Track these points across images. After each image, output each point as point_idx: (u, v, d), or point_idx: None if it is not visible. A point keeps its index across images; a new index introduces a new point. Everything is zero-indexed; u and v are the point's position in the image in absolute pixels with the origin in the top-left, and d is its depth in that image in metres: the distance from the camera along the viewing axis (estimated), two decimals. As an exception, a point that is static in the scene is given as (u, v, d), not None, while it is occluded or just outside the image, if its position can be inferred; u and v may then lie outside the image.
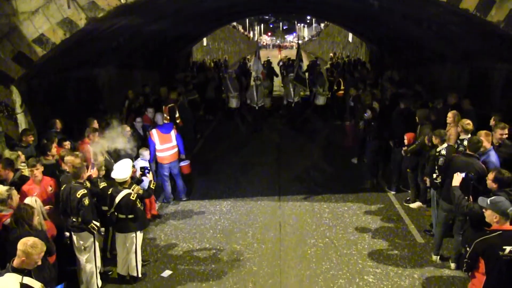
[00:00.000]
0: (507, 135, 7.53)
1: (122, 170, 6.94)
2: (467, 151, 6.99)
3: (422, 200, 9.81)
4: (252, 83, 17.34)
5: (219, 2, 13.00)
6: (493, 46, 9.63)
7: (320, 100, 17.97)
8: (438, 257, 7.63)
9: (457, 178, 6.26)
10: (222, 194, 10.75)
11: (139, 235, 7.09)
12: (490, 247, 4.80)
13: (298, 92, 17.00)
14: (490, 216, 4.94)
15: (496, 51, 9.85)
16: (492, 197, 5.00)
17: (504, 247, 4.74)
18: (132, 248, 6.98)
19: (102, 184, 7.20)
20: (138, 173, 7.55)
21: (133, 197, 6.82)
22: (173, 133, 10.06)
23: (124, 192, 6.85)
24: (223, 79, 19.68)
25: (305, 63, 29.32)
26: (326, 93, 18.21)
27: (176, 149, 10.14)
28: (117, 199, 6.84)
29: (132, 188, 6.99)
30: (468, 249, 4.99)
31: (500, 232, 4.82)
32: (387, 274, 7.28)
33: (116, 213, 6.92)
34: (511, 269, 4.77)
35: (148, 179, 7.54)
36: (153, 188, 7.70)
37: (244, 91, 18.97)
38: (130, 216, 6.87)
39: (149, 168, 7.75)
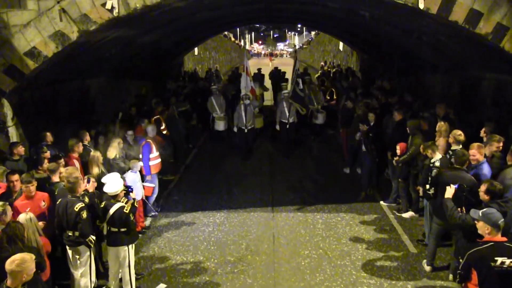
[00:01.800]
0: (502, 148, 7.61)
1: (113, 184, 6.91)
2: (455, 165, 7.07)
3: (414, 209, 9.85)
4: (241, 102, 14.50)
5: (211, 13, 13.04)
6: (482, 57, 9.76)
7: (319, 119, 15.97)
8: (431, 267, 7.63)
9: (450, 190, 6.31)
10: (215, 205, 10.72)
11: (131, 248, 7.05)
12: (482, 258, 4.84)
13: (294, 112, 14.69)
14: (482, 227, 4.99)
15: (485, 62, 9.98)
16: (484, 209, 5.05)
17: (496, 258, 4.78)
18: (125, 262, 6.93)
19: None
20: (122, 192, 7.48)
21: (126, 210, 6.79)
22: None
23: (118, 205, 6.82)
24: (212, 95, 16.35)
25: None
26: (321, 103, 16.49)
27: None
28: (111, 212, 6.80)
29: (123, 201, 6.98)
30: (461, 260, 5.03)
31: (492, 243, 4.87)
32: (381, 285, 7.30)
33: (108, 227, 6.88)
34: (503, 280, 4.81)
35: (131, 197, 7.49)
36: (137, 206, 7.65)
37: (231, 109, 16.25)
38: (122, 229, 6.82)
39: (132, 187, 7.71)
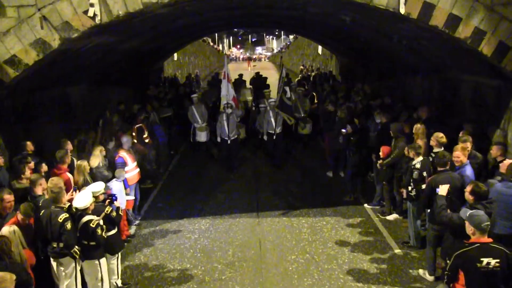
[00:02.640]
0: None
1: (82, 199, 6.70)
2: (439, 168, 7.17)
3: (398, 212, 9.96)
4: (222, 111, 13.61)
5: (192, 19, 13.00)
6: (462, 60, 9.94)
7: (307, 128, 15.27)
8: (433, 277, 7.47)
9: (444, 188, 6.40)
10: (200, 212, 10.67)
11: (103, 262, 6.90)
12: (469, 260, 4.95)
13: (281, 122, 13.90)
14: (467, 228, 5.10)
15: (464, 64, 10.16)
16: (472, 210, 5.14)
17: (481, 259, 4.89)
18: (98, 276, 6.80)
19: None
20: (107, 200, 7.40)
21: (93, 224, 6.57)
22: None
23: (86, 218, 6.62)
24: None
25: (274, 76, 29.15)
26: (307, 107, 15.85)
27: None
28: (79, 225, 6.62)
29: (107, 210, 6.94)
30: (448, 261, 5.11)
31: (478, 244, 4.97)
32: (369, 288, 7.37)
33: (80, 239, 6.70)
34: (489, 280, 4.93)
35: (115, 206, 7.41)
36: (121, 214, 7.64)
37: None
38: (92, 243, 6.66)
39: (116, 195, 7.63)
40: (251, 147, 16.15)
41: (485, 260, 4.89)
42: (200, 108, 14.90)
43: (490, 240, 5.05)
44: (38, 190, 7.21)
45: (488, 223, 5.04)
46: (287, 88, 14.56)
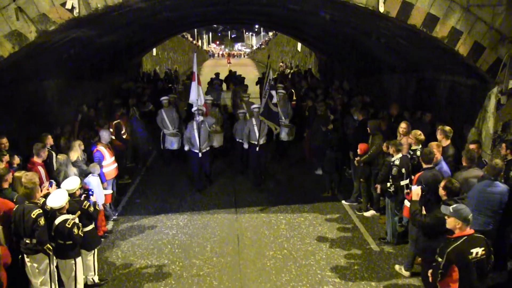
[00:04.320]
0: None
1: (57, 198, 6.53)
2: (425, 165, 7.19)
3: (375, 208, 10.08)
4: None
5: (172, 14, 12.90)
6: (438, 59, 10.10)
7: (285, 134, 13.61)
8: (409, 273, 7.61)
9: (416, 192, 6.44)
10: (178, 208, 10.62)
11: (79, 260, 6.80)
12: (461, 254, 5.03)
13: (265, 131, 11.95)
14: (452, 222, 5.15)
15: (441, 64, 10.33)
16: (454, 205, 5.21)
17: (471, 251, 5.02)
18: (71, 274, 6.71)
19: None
20: (83, 196, 7.31)
21: (68, 224, 6.45)
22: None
23: (61, 218, 6.50)
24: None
25: (252, 73, 28.85)
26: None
27: None
28: (56, 223, 6.49)
29: (85, 205, 6.90)
30: (440, 259, 5.11)
31: (465, 237, 5.07)
32: (346, 283, 7.43)
33: (55, 238, 6.57)
34: (478, 270, 5.07)
35: (92, 200, 7.32)
36: (98, 209, 7.59)
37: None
38: (68, 242, 6.54)
39: (92, 190, 7.54)
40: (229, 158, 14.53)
41: (474, 251, 5.02)
42: (171, 113, 13.42)
43: (473, 231, 5.17)
44: (5, 184, 6.99)
45: (472, 214, 5.16)
46: (274, 93, 12.35)
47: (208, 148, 11.70)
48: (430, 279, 5.32)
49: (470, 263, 5.02)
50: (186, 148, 11.69)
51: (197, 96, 11.32)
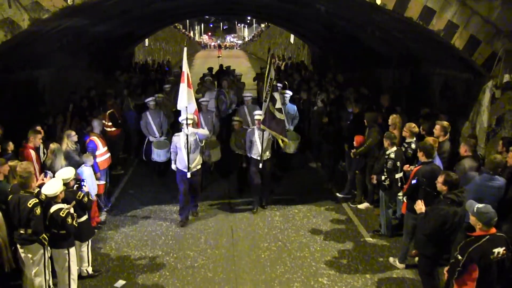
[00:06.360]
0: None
1: (52, 186, 6.49)
2: (425, 160, 7.08)
3: (370, 200, 10.11)
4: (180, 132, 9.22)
5: (165, 4, 12.80)
6: (433, 53, 10.11)
7: (291, 147, 11.01)
8: (404, 265, 7.63)
9: (419, 207, 6.32)
10: (172, 199, 10.55)
11: (72, 251, 6.73)
12: (483, 253, 4.96)
13: (270, 144, 9.87)
14: (474, 221, 5.12)
15: (436, 57, 10.35)
16: (479, 206, 5.10)
17: (493, 250, 4.98)
18: (65, 265, 6.64)
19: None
20: (75, 186, 7.25)
21: (62, 213, 6.38)
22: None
23: (55, 207, 6.43)
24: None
25: (245, 66, 28.40)
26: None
27: None
28: (50, 212, 6.42)
29: (79, 195, 6.85)
30: (460, 257, 5.04)
31: (488, 236, 5.02)
32: (341, 275, 7.45)
33: (49, 228, 6.51)
34: (499, 269, 5.04)
35: (84, 191, 7.27)
36: (91, 199, 7.54)
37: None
38: (61, 232, 6.47)
39: (84, 180, 7.49)
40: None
41: (496, 251, 4.98)
42: (158, 116, 11.51)
43: (495, 230, 5.11)
44: (0, 176, 6.90)
45: (496, 218, 5.07)
46: (277, 95, 9.61)
47: (199, 167, 9.45)
48: (446, 276, 5.28)
49: (492, 262, 4.98)
50: (173, 166, 9.42)
51: (187, 102, 8.87)
